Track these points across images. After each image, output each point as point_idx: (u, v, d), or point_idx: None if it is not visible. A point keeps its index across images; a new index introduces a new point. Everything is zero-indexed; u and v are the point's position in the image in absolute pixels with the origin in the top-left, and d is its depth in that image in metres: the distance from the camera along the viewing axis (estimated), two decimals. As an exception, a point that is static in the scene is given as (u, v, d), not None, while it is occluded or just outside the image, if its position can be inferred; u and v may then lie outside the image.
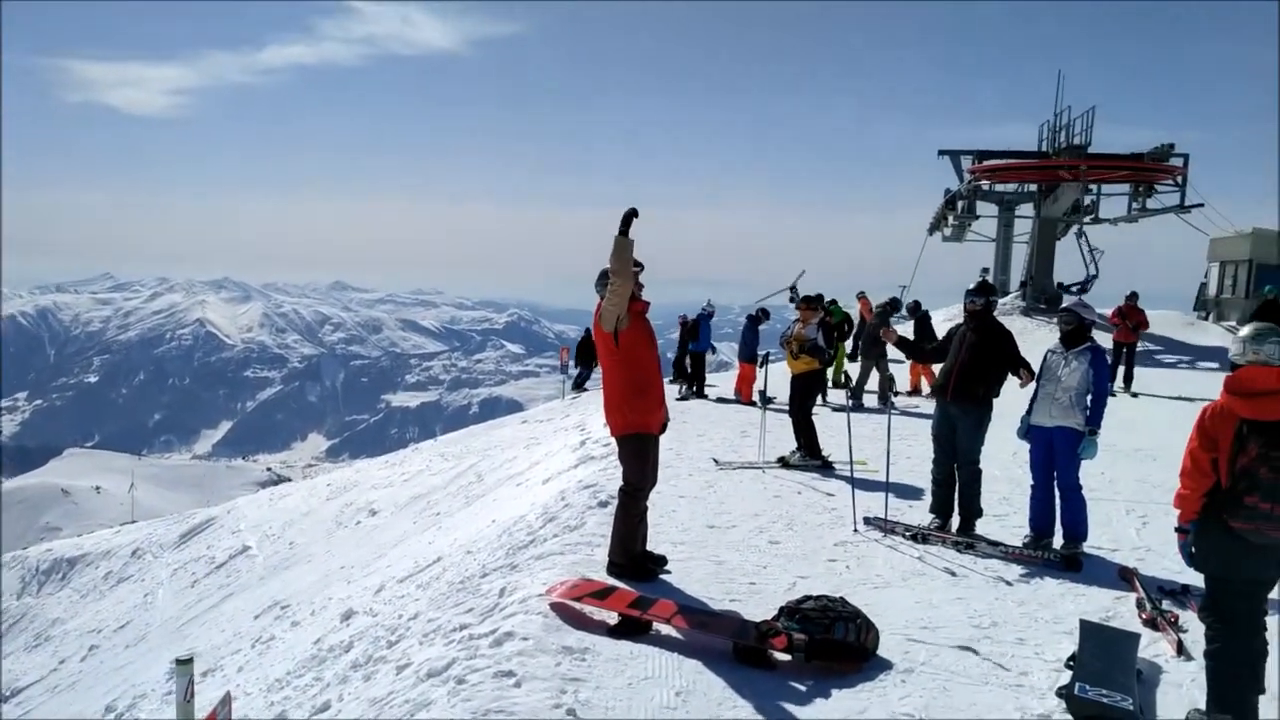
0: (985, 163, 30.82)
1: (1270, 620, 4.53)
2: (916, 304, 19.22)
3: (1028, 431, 7.33)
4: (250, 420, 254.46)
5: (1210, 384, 4.49)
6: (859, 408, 15.28)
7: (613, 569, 6.26)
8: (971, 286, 7.74)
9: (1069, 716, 4.46)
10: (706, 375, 18.92)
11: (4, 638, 17.53)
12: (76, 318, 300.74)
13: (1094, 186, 30.51)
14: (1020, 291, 30.74)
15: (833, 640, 5.00)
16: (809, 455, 10.55)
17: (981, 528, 7.65)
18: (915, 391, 17.65)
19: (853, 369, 17.62)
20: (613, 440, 6.50)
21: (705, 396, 17.82)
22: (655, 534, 6.93)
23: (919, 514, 8.14)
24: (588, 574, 6.12)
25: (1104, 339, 16.18)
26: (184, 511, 26.51)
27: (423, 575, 7.95)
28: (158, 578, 16.69)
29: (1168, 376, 20.39)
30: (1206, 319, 29.32)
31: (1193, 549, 4.43)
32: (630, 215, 5.74)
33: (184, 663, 3.72)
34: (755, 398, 15.53)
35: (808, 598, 5.41)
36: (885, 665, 5.03)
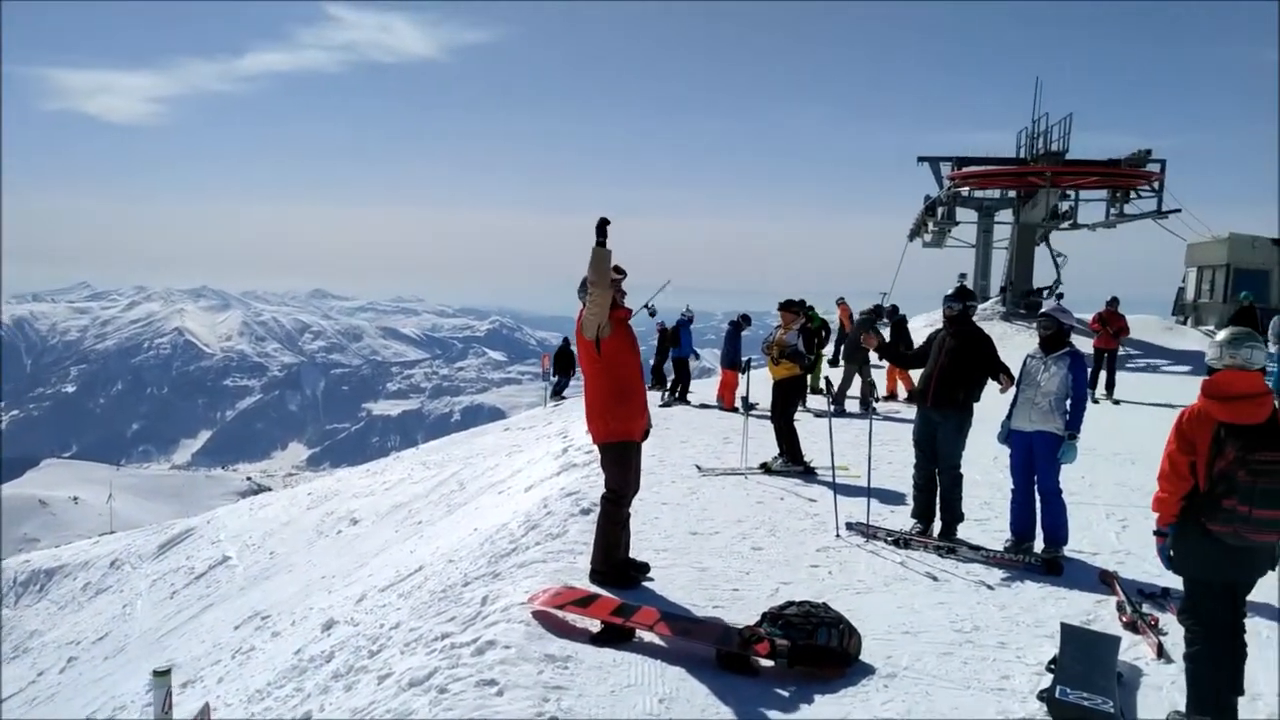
0: (964, 169, 31.00)
1: (1248, 622, 4.57)
2: (894, 308, 19.30)
3: (1008, 436, 7.38)
4: (230, 429, 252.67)
5: (1188, 388, 4.52)
6: (840, 413, 15.31)
7: (595, 576, 6.25)
8: (950, 292, 7.78)
9: (1050, 719, 4.48)
10: (690, 379, 18.92)
11: (-20, 651, 17.34)
12: (53, 327, 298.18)
13: (1072, 192, 30.74)
14: (1000, 297, 30.92)
15: (816, 646, 5.01)
16: (791, 461, 10.57)
17: (963, 532, 7.67)
18: (891, 397, 17.69)
19: (833, 374, 17.67)
20: (595, 447, 6.49)
21: (689, 402, 17.84)
22: (638, 541, 6.92)
23: (901, 519, 8.16)
24: (570, 582, 6.11)
25: (1084, 344, 16.30)
26: (163, 522, 26.30)
27: (404, 584, 7.92)
28: (137, 589, 16.56)
29: (1146, 380, 20.54)
30: (1184, 323, 29.54)
31: (1171, 552, 4.47)
32: (604, 224, 5.74)
33: (161, 674, 3.69)
34: (737, 404, 15.55)
35: (790, 603, 5.42)
36: (868, 670, 5.04)
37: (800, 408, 13.21)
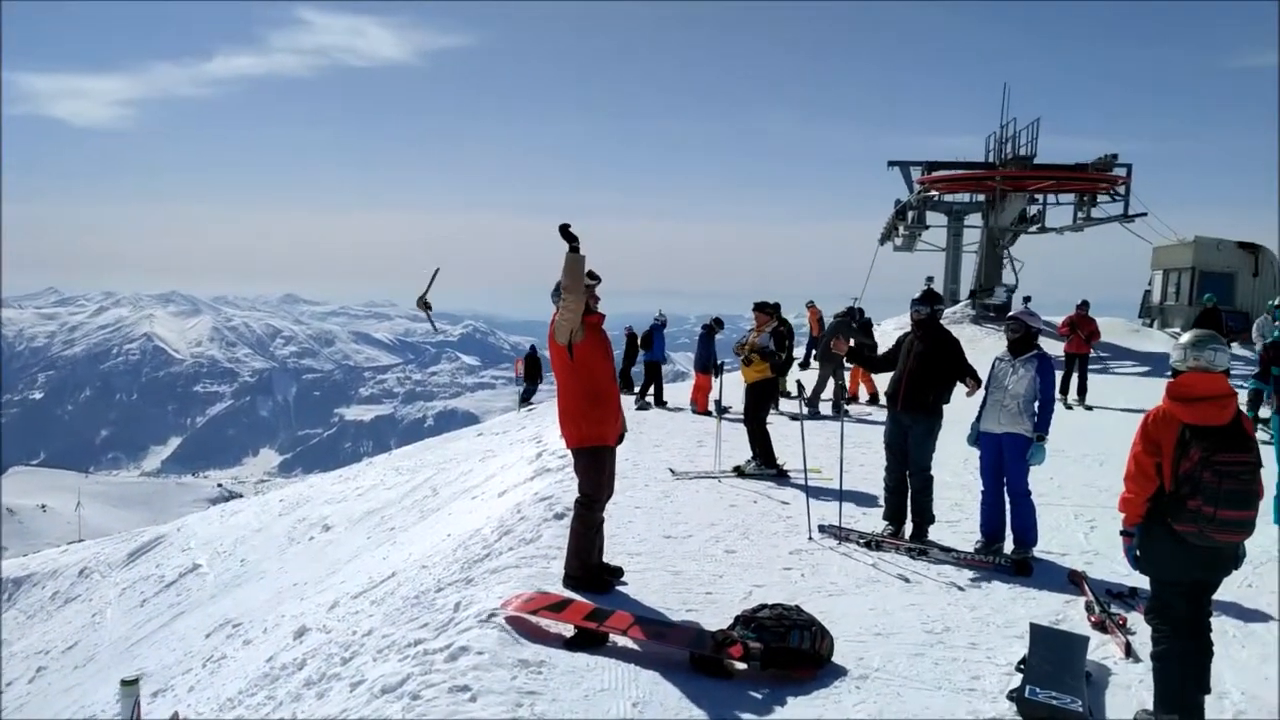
0: (933, 173, 31.24)
1: (1214, 621, 4.64)
2: (860, 310, 19.40)
3: (977, 438, 7.45)
4: (200, 436, 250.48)
5: (1154, 390, 4.58)
6: (815, 415, 15.40)
7: (569, 581, 6.25)
8: (917, 296, 7.84)
9: (1020, 719, 4.52)
10: (664, 384, 18.94)
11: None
12: (20, 333, 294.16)
13: (1040, 196, 31.05)
14: (969, 300, 31.16)
15: (788, 648, 5.03)
16: (764, 464, 10.60)
17: (934, 534, 7.73)
18: (853, 399, 17.71)
19: (804, 377, 17.74)
20: (568, 452, 6.49)
21: (665, 405, 17.87)
22: (612, 545, 6.93)
23: (873, 521, 8.21)
24: (544, 587, 6.11)
25: (1054, 348, 16.46)
26: (132, 530, 26.02)
27: (377, 591, 7.88)
28: (106, 597, 16.36)
29: (1113, 383, 20.72)
30: (1151, 326, 29.87)
31: (1138, 552, 4.52)
32: (567, 229, 5.74)
33: (129, 683, 3.67)
34: (711, 407, 15.59)
35: (763, 606, 5.44)
36: (840, 672, 5.07)
37: (773, 410, 13.26)
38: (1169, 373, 4.67)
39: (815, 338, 22.59)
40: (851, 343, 9.28)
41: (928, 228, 33.78)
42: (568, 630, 5.37)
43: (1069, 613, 6.11)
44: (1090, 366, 17.97)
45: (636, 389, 18.68)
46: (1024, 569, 6.96)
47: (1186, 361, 4.43)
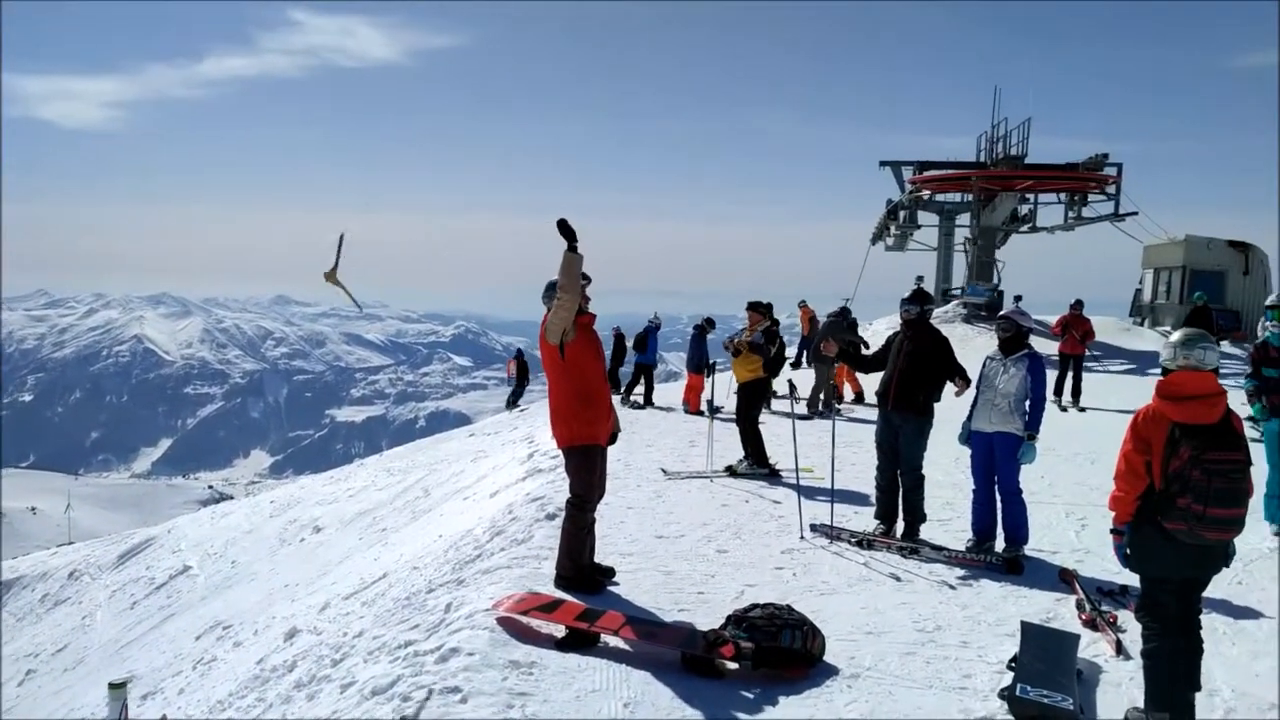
0: (924, 173, 31.31)
1: (1204, 618, 4.65)
2: (847, 310, 19.34)
3: (969, 437, 7.45)
4: (191, 437, 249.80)
5: (1145, 389, 4.59)
6: (815, 414, 15.47)
7: (560, 581, 6.24)
8: (906, 295, 7.85)
9: (1011, 717, 4.52)
10: (655, 385, 18.96)
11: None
12: (10, 335, 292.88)
13: (1030, 196, 31.14)
14: (942, 297, 31.23)
15: (780, 648, 5.03)
16: (756, 464, 10.61)
17: (925, 533, 7.74)
18: (839, 399, 17.64)
19: (796, 377, 17.74)
20: (560, 452, 6.48)
21: (653, 404, 17.89)
22: (603, 545, 6.92)
23: (864, 520, 8.21)
24: (535, 587, 6.09)
25: (1046, 347, 16.45)
26: (123, 532, 25.92)
27: (368, 592, 7.85)
28: (96, 600, 16.29)
29: (1104, 381, 20.76)
30: (1142, 324, 29.96)
31: (1128, 550, 4.52)
32: (565, 226, 5.72)
33: (117, 686, 3.65)
34: (703, 407, 15.60)
35: (755, 606, 5.43)
36: (832, 671, 5.07)
37: (765, 410, 13.27)
38: (1159, 370, 4.66)
39: (806, 337, 22.62)
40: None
41: (919, 227, 33.86)
42: (559, 631, 5.36)
43: (1060, 611, 6.12)
44: (1084, 366, 17.60)
45: (623, 389, 18.70)
46: (1015, 567, 6.97)
47: (1176, 360, 4.44)
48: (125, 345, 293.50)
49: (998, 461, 7.26)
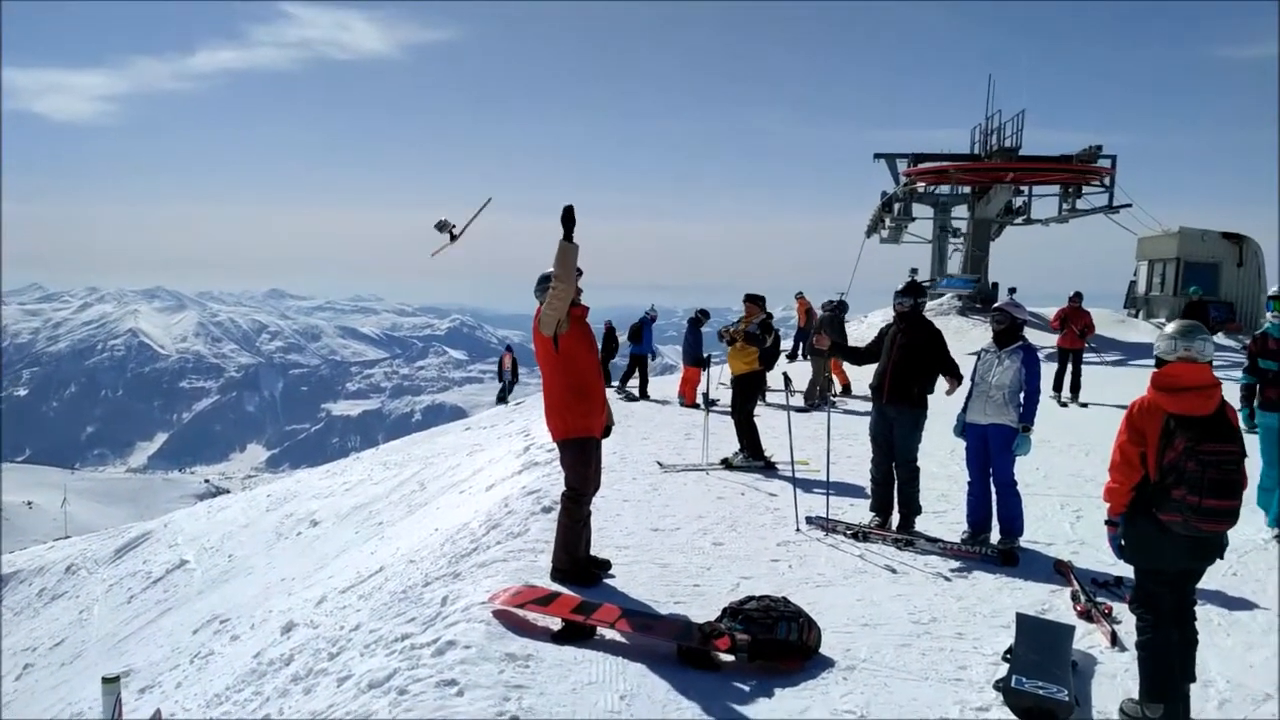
0: (918, 165, 31.32)
1: (1199, 610, 4.66)
2: (829, 302, 19.30)
3: (963, 429, 7.46)
4: (187, 432, 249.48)
5: (1140, 380, 4.59)
6: (814, 407, 15.49)
7: (556, 575, 6.25)
8: (900, 287, 7.85)
9: (1006, 709, 4.54)
10: (649, 378, 18.98)
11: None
12: (4, 329, 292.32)
13: (1025, 188, 31.15)
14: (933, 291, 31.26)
15: (775, 640, 5.04)
16: (752, 456, 10.62)
17: (921, 524, 7.76)
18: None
19: (792, 370, 17.74)
20: (555, 445, 6.49)
21: (649, 397, 17.90)
22: (599, 538, 6.93)
23: (860, 512, 8.22)
24: (531, 580, 6.10)
25: (1042, 340, 16.45)
26: (119, 526, 25.87)
27: (365, 586, 7.86)
28: (93, 594, 16.27)
29: (1098, 373, 20.78)
30: (1136, 316, 30.00)
31: (1122, 541, 4.54)
32: (569, 214, 5.72)
33: (110, 681, 3.64)
34: (699, 400, 15.61)
35: (750, 598, 5.44)
36: (827, 663, 5.08)
37: (760, 403, 13.28)
38: (1153, 362, 4.66)
39: (803, 329, 22.61)
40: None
41: (914, 219, 33.85)
42: (555, 624, 5.36)
43: (1055, 602, 6.14)
44: (1084, 361, 16.86)
45: (615, 382, 18.72)
46: (1010, 559, 6.98)
47: (1176, 352, 4.43)
48: (120, 339, 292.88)
49: (993, 453, 7.27)
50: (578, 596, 5.72)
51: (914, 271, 30.72)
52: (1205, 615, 5.48)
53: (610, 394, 15.87)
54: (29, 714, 10.86)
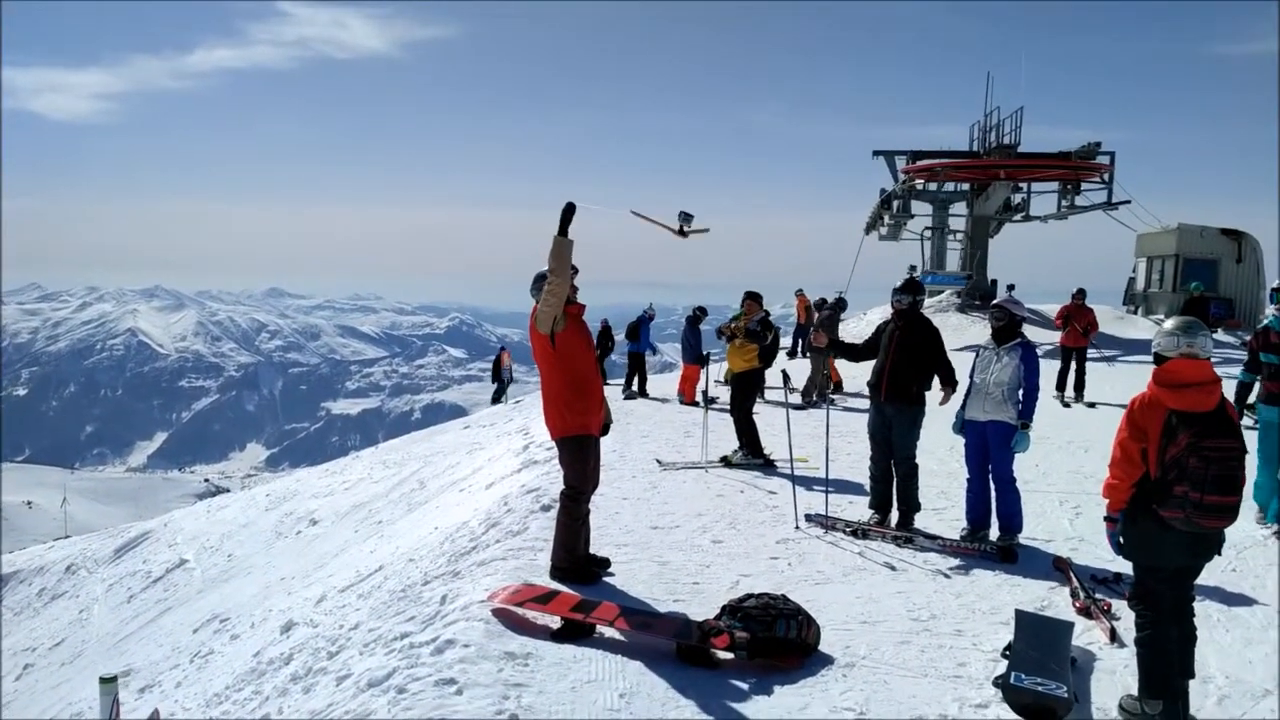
0: (917, 162, 31.35)
1: (1198, 606, 4.66)
2: (823, 300, 19.28)
3: (962, 426, 7.47)
4: (186, 431, 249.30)
5: (1140, 377, 4.60)
6: (818, 405, 15.48)
7: (555, 573, 6.25)
8: (898, 285, 7.85)
9: (1006, 706, 4.54)
10: (649, 375, 19.00)
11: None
12: (3, 329, 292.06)
13: (1024, 184, 31.17)
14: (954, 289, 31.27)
15: (774, 638, 5.04)
16: (751, 454, 10.62)
17: (920, 521, 7.76)
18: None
19: (791, 367, 17.73)
20: (554, 443, 6.49)
21: (647, 394, 17.92)
22: (599, 536, 6.93)
23: (859, 510, 8.22)
24: (531, 579, 6.10)
25: (1042, 336, 16.43)
26: (119, 525, 25.87)
27: (364, 584, 7.86)
28: (93, 593, 16.28)
29: (1097, 370, 20.75)
30: (1135, 313, 30.01)
31: (1121, 538, 4.54)
32: (569, 211, 5.72)
33: (108, 681, 3.63)
34: (698, 398, 15.61)
35: (749, 596, 5.44)
36: (827, 660, 5.08)
37: (759, 400, 13.28)
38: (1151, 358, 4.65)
39: (802, 325, 22.62)
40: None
41: (913, 216, 33.88)
42: (554, 622, 5.36)
43: (1054, 599, 6.14)
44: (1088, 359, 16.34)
45: (621, 381, 18.74)
46: (1009, 556, 6.98)
47: (1179, 348, 4.42)
48: (119, 339, 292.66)
49: (991, 450, 7.28)
50: (577, 595, 5.72)
51: (912, 269, 30.73)
52: (1204, 611, 5.49)
53: (614, 393, 15.91)
54: (29, 714, 10.86)
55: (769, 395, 15.93)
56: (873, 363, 7.94)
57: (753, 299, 11.51)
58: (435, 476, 13.74)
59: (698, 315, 17.30)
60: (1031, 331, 7.75)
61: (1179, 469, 4.19)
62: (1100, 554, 6.90)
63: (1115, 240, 31.44)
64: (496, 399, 25.07)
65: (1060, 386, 15.96)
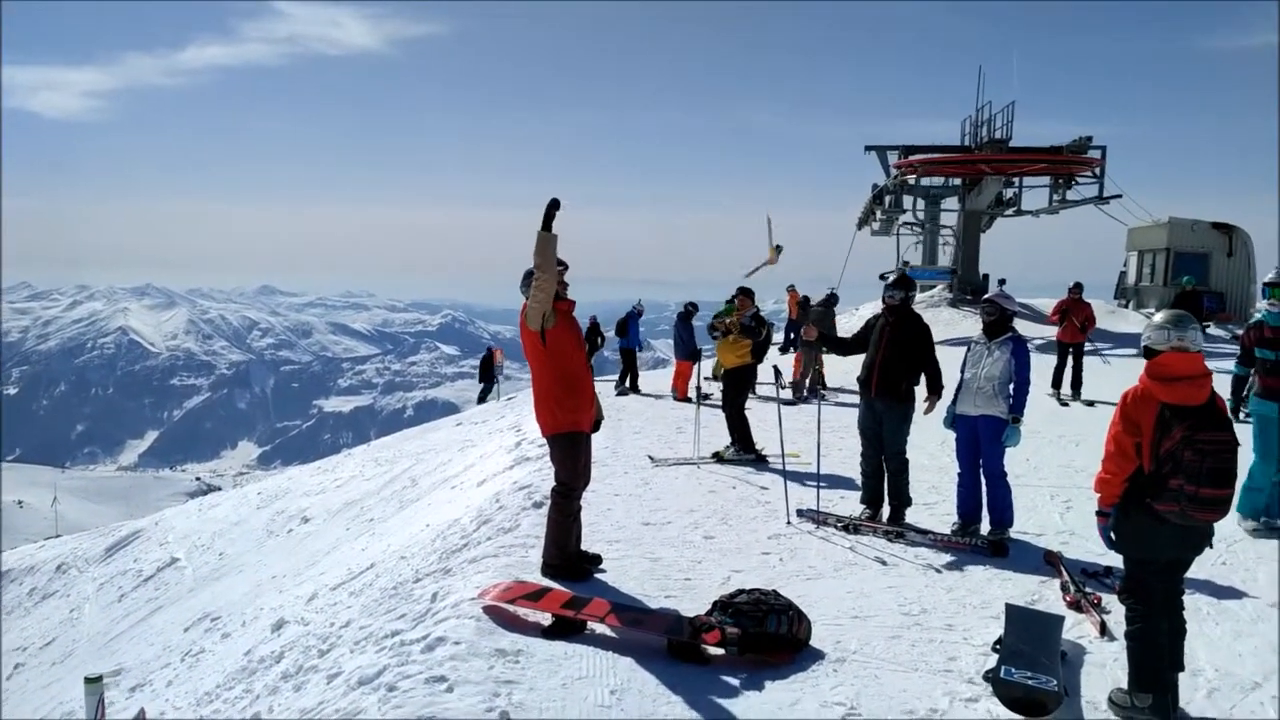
0: (908, 157, 31.38)
1: (1188, 599, 4.67)
2: (807, 298, 19.29)
3: (953, 421, 7.47)
4: (177, 429, 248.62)
5: (1131, 371, 4.61)
6: (808, 400, 15.51)
7: (547, 570, 6.24)
8: (890, 280, 7.84)
9: (996, 700, 4.54)
10: (640, 371, 19.02)
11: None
12: (1, 330, 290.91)
13: (1015, 179, 31.23)
14: (946, 284, 31.32)
15: (765, 633, 5.04)
16: (743, 449, 10.62)
17: (911, 516, 7.76)
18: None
19: (782, 363, 17.73)
20: (545, 440, 6.48)
21: (639, 390, 17.93)
22: (590, 533, 6.93)
23: (850, 505, 8.23)
24: (522, 576, 6.09)
25: (1035, 331, 16.45)
26: (110, 524, 25.78)
27: (355, 582, 7.85)
28: (84, 593, 16.23)
29: (1092, 366, 20.77)
30: (1126, 306, 30.09)
31: (1113, 533, 4.54)
32: (553, 207, 5.71)
33: (93, 681, 3.62)
34: (691, 394, 15.61)
35: (741, 591, 5.44)
36: (818, 655, 5.09)
37: (750, 396, 13.29)
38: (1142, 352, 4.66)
39: (794, 321, 22.64)
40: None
41: (904, 211, 33.91)
42: (545, 619, 5.35)
43: (1044, 593, 6.15)
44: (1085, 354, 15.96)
45: (614, 377, 18.76)
46: (1000, 550, 7.00)
47: (1170, 341, 4.42)
48: (110, 337, 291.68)
49: (982, 445, 7.29)
50: (568, 591, 5.71)
51: (905, 264, 30.78)
52: (1194, 604, 5.50)
53: (606, 389, 15.89)
54: (20, 713, 10.82)
55: (760, 390, 15.93)
56: (862, 358, 7.94)
57: (745, 295, 11.54)
58: (427, 474, 13.72)
59: (689, 311, 17.31)
60: (1023, 326, 7.74)
61: (1173, 462, 4.20)
62: (1091, 548, 6.92)
63: (1106, 235, 31.55)
64: (483, 398, 25.02)
65: (1056, 384, 15.65)
